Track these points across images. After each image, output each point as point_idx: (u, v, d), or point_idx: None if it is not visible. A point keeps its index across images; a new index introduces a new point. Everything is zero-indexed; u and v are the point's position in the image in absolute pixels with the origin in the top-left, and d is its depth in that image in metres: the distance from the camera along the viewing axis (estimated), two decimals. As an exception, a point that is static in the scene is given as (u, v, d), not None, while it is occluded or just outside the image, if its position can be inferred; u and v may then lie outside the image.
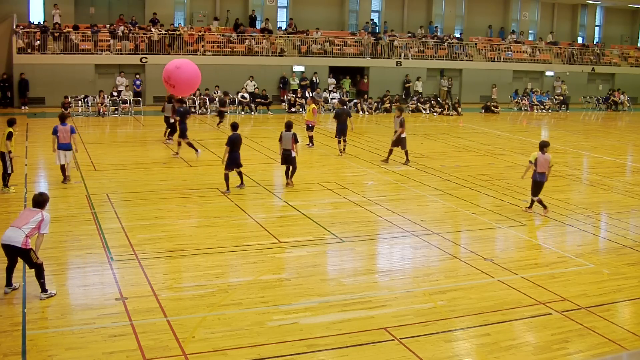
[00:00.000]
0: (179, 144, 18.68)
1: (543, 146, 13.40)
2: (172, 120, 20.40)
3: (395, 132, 18.41)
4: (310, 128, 20.82)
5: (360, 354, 7.44)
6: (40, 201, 8.86)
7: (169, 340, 7.55)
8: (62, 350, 7.24)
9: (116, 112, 28.40)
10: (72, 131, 14.93)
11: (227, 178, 14.48)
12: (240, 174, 14.82)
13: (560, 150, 22.07)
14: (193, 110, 29.26)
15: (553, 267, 10.51)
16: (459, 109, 32.89)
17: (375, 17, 38.82)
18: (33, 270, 8.59)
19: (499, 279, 9.85)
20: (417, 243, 11.57)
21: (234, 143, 14.39)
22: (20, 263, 8.72)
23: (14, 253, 8.51)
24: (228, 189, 14.43)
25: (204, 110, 29.83)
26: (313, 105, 20.81)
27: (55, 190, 14.44)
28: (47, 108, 28.56)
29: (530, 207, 13.70)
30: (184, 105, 20.04)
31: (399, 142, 18.37)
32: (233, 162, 14.45)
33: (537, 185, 13.48)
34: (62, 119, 15.05)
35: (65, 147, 14.80)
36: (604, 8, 45.94)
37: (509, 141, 23.94)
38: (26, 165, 17.06)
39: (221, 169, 14.70)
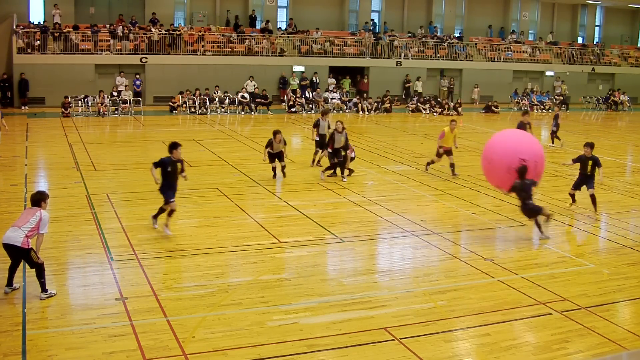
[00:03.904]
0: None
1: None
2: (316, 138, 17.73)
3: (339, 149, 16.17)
4: (449, 152, 17.15)
5: (360, 354, 7.44)
6: (37, 199, 8.85)
7: (169, 340, 7.54)
8: (62, 350, 7.24)
9: (116, 112, 28.40)
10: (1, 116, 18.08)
11: None
12: None
13: (560, 150, 22.07)
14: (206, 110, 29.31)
15: (553, 267, 10.51)
16: (459, 109, 32.91)
17: (375, 17, 38.83)
18: (33, 270, 8.59)
19: (499, 279, 9.85)
20: (417, 243, 11.56)
21: None
22: (22, 263, 8.72)
23: (15, 253, 8.52)
24: None
25: (204, 110, 29.83)
26: (449, 128, 17.12)
27: (55, 190, 14.43)
28: (47, 108, 28.60)
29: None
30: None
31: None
32: None
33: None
34: None
35: None
36: (604, 8, 45.96)
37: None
38: (26, 165, 17.06)
39: (221, 170, 14.66)
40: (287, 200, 14.12)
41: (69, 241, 10.97)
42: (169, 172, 11.28)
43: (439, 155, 17.24)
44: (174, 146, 11.34)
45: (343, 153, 16.25)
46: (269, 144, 15.69)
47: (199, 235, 11.59)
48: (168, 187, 11.35)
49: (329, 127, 17.81)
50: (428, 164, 17.59)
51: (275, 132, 15.62)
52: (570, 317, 8.56)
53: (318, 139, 17.79)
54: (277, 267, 10.17)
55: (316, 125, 17.94)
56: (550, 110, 36.61)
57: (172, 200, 11.36)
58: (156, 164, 11.32)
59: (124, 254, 10.40)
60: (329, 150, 16.24)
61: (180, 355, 7.23)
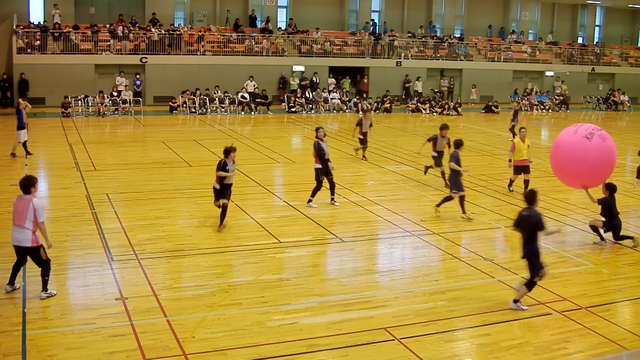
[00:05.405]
0: None
1: None
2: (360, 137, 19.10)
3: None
4: (525, 169, 15.12)
5: (360, 354, 7.44)
6: (27, 185, 8.61)
7: (169, 340, 7.55)
8: (62, 350, 7.24)
9: (116, 112, 28.41)
10: None
11: None
12: None
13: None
14: (202, 110, 29.31)
15: (553, 267, 10.48)
16: (459, 109, 32.93)
17: (375, 17, 38.84)
18: (38, 268, 8.60)
19: (499, 279, 9.85)
20: (417, 243, 11.56)
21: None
22: (27, 262, 8.73)
23: (25, 253, 8.56)
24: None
25: (204, 110, 29.82)
26: (519, 138, 15.26)
27: (55, 190, 14.44)
28: (47, 108, 28.57)
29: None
30: None
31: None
32: None
33: None
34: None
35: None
36: (604, 8, 45.96)
37: (509, 141, 23.90)
38: (26, 165, 17.07)
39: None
40: (287, 200, 14.13)
41: (69, 241, 10.97)
42: None
43: (517, 172, 15.14)
44: None
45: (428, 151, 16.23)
46: (222, 167, 11.58)
47: (199, 235, 11.58)
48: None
49: (370, 125, 19.17)
50: (509, 185, 15.63)
51: (229, 150, 11.59)
52: (570, 317, 8.56)
53: (362, 137, 19.18)
54: (277, 267, 10.17)
55: (359, 124, 19.16)
56: (550, 111, 36.67)
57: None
58: None
59: (124, 254, 10.40)
60: (320, 167, 13.50)
61: (180, 355, 7.23)
